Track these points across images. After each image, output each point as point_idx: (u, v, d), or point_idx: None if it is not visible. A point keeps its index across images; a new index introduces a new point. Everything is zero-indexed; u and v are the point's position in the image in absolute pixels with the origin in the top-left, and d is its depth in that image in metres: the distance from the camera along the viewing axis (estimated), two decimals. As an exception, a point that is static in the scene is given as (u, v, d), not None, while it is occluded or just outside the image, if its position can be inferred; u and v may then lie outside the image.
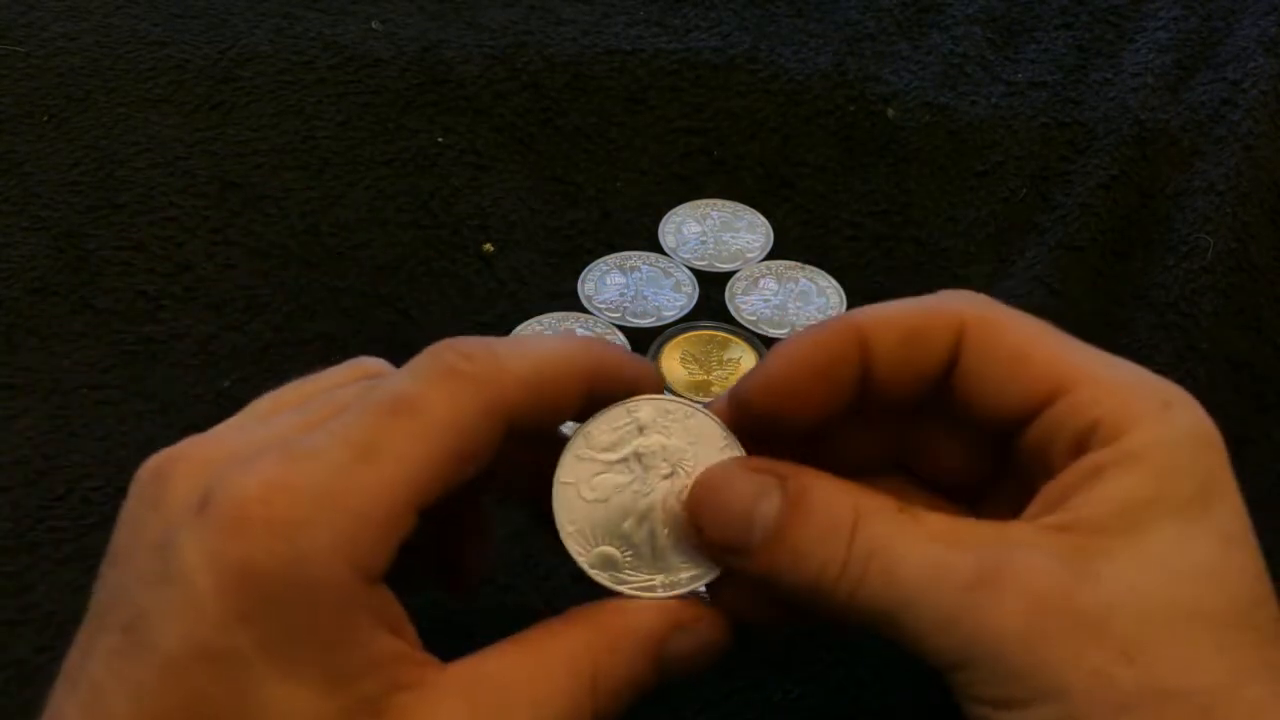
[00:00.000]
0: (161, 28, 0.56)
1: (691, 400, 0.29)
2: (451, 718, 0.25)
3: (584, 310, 0.46)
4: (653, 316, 0.46)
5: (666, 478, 0.29)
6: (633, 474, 0.29)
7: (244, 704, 0.24)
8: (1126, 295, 0.46)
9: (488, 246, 0.48)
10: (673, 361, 0.44)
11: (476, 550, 0.32)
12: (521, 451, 0.28)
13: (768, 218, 0.50)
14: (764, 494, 0.27)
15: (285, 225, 0.48)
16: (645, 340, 0.45)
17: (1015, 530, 0.26)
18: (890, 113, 0.53)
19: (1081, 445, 0.26)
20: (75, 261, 0.46)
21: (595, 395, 0.28)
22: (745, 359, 0.44)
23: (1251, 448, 0.42)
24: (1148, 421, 0.26)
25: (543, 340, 0.28)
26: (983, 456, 0.29)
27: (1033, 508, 0.27)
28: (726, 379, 0.43)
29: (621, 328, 0.45)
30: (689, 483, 0.28)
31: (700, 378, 0.43)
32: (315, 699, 0.24)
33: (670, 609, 0.28)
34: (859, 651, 0.35)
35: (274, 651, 0.24)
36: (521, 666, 0.26)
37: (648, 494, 0.29)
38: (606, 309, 0.46)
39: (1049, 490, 0.27)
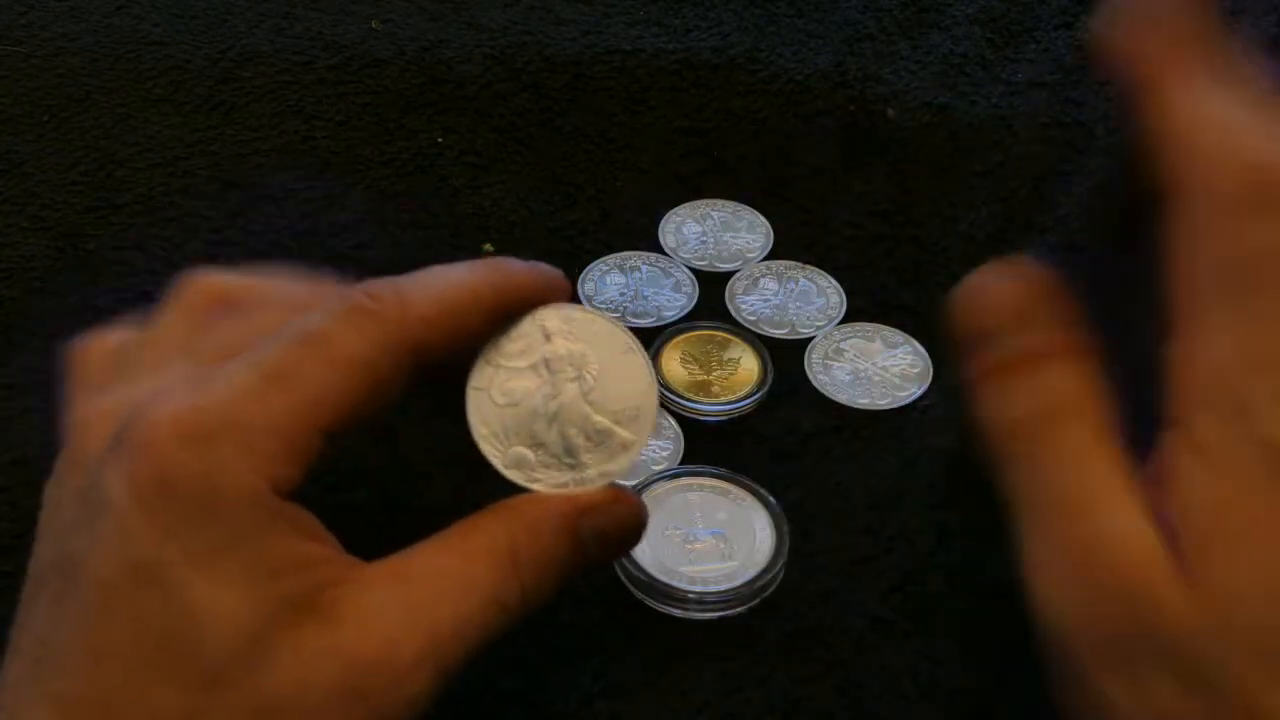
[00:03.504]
0: (161, 28, 0.56)
1: (592, 308, 0.31)
2: (384, 605, 0.26)
3: (584, 310, 0.46)
4: (653, 316, 0.46)
5: (573, 381, 0.30)
6: (541, 378, 0.30)
7: (182, 613, 0.25)
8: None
9: (488, 246, 0.48)
10: (673, 361, 0.44)
11: None
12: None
13: (768, 218, 0.50)
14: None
15: (285, 225, 0.48)
16: (645, 340, 0.44)
17: (1140, 514, 0.24)
18: (890, 113, 0.53)
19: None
20: (75, 261, 0.46)
21: (507, 311, 0.30)
22: (745, 359, 0.44)
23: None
24: (1210, 398, 0.24)
25: (448, 272, 0.30)
26: None
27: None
28: (726, 379, 0.43)
29: (621, 328, 0.45)
30: (595, 382, 0.30)
31: (700, 378, 0.43)
32: (246, 600, 0.25)
33: (580, 495, 0.30)
34: (859, 651, 0.35)
35: (200, 560, 0.25)
36: (446, 556, 0.28)
37: (556, 396, 0.30)
38: (606, 309, 0.46)
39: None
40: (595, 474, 0.30)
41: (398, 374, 0.28)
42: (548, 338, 0.30)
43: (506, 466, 0.30)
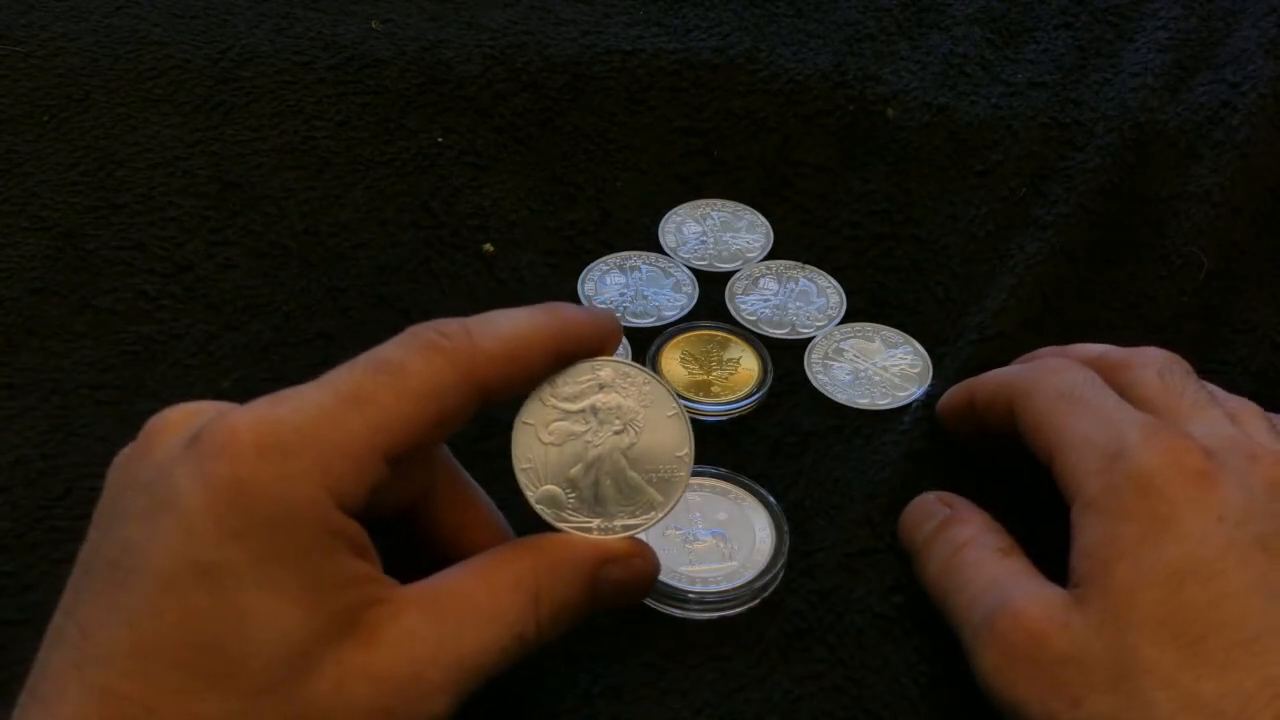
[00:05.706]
0: (161, 28, 0.56)
1: (648, 369, 0.33)
2: (415, 628, 0.27)
3: (584, 310, 0.46)
4: (653, 316, 0.46)
5: (617, 434, 0.32)
6: (587, 425, 0.31)
7: (235, 617, 0.25)
8: (1118, 301, 0.46)
9: (488, 246, 0.48)
10: (673, 361, 0.44)
11: (463, 520, 0.33)
12: None
13: (768, 218, 0.50)
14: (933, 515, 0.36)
15: (285, 225, 0.48)
16: (645, 340, 0.45)
17: (1036, 579, 0.32)
18: (890, 113, 0.53)
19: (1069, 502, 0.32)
20: (75, 261, 0.46)
21: (564, 355, 0.31)
22: (745, 359, 0.44)
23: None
24: (1097, 475, 0.31)
25: (514, 315, 0.31)
26: None
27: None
28: (726, 379, 0.43)
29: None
30: (636, 440, 0.32)
31: (700, 378, 0.43)
32: (299, 612, 0.26)
33: (604, 544, 0.31)
34: (859, 651, 0.35)
35: (262, 566, 0.26)
36: (474, 584, 0.29)
37: (598, 445, 0.31)
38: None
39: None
40: (619, 525, 0.31)
41: (463, 407, 0.29)
42: (601, 388, 0.32)
43: (537, 501, 0.31)
